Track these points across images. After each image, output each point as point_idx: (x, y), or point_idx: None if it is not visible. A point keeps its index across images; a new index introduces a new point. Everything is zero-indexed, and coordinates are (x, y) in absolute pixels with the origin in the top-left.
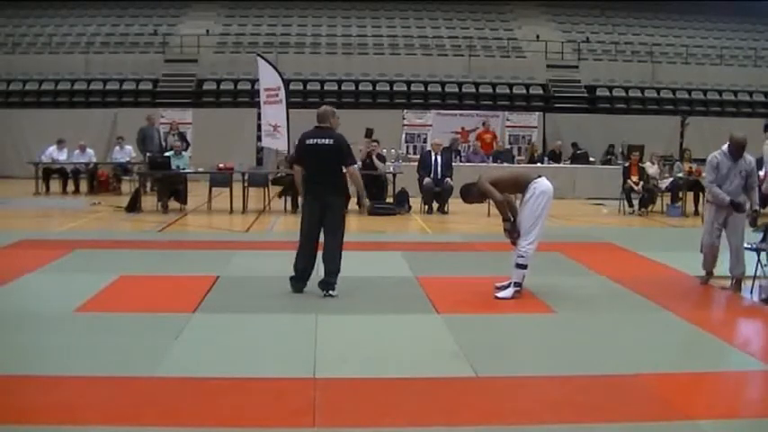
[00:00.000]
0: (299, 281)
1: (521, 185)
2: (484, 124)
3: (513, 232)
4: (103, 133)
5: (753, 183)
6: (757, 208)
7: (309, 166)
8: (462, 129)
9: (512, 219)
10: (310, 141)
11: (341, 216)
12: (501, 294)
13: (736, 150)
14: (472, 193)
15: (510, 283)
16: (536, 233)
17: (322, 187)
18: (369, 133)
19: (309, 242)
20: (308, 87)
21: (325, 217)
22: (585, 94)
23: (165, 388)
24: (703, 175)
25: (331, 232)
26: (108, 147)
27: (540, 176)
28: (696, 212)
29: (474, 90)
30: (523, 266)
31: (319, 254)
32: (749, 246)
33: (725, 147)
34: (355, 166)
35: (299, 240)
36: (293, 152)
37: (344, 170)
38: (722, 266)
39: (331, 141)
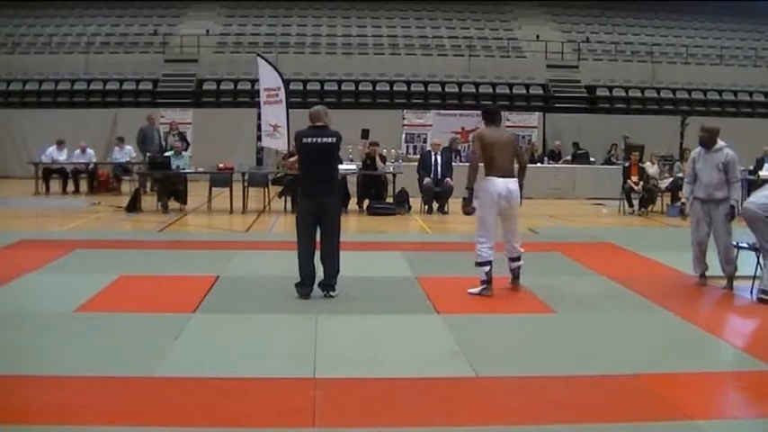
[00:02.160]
0: (306, 286)
1: (488, 166)
2: None
3: (468, 204)
4: (103, 133)
5: (732, 177)
6: (734, 204)
7: (307, 165)
8: (462, 129)
9: (471, 189)
10: (309, 140)
11: (338, 216)
12: (469, 290)
13: (703, 138)
14: (500, 111)
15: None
16: (487, 235)
17: (320, 186)
18: (365, 134)
19: (309, 245)
20: (308, 87)
21: (322, 218)
22: (585, 94)
23: (164, 388)
24: None
25: (330, 233)
26: (108, 147)
27: (499, 177)
28: None
29: (474, 90)
30: (480, 264)
31: (317, 254)
32: (746, 245)
33: None
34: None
35: (297, 244)
36: (293, 150)
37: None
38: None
39: (333, 140)
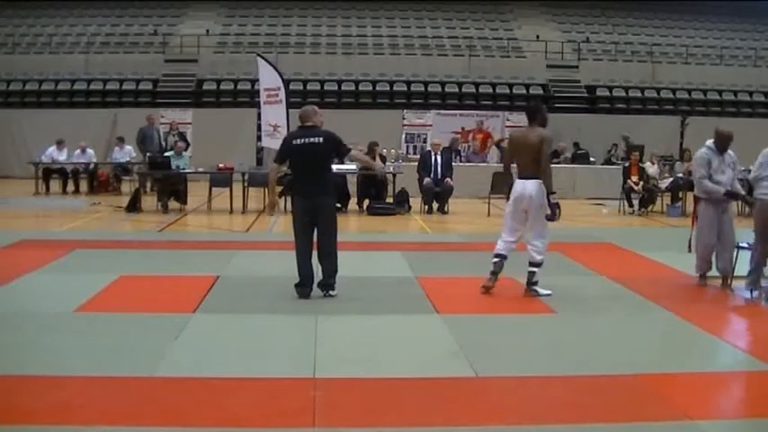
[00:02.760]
0: (305, 287)
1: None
2: (482, 123)
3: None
4: (103, 133)
5: (735, 172)
6: (744, 194)
7: (298, 166)
8: (462, 129)
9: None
10: (298, 141)
11: (333, 215)
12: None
13: (723, 144)
14: (540, 110)
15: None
16: (505, 231)
17: (312, 187)
18: (371, 147)
19: (306, 245)
20: (308, 87)
21: (317, 217)
22: (585, 94)
23: (164, 388)
24: None
25: (326, 233)
26: (108, 147)
27: (519, 178)
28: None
29: (474, 90)
30: (493, 255)
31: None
32: (747, 245)
33: (709, 142)
34: (352, 151)
35: (295, 244)
36: (277, 152)
37: (345, 160)
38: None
39: (321, 140)
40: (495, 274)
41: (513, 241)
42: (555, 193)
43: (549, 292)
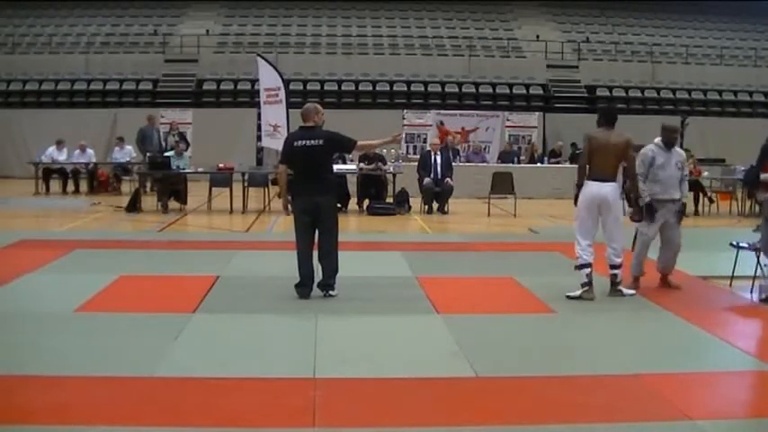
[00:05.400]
0: (305, 287)
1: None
2: (442, 123)
3: (576, 201)
4: (103, 133)
5: (685, 175)
6: (685, 201)
7: (298, 167)
8: (462, 129)
9: (579, 186)
10: (299, 143)
11: (334, 215)
12: (567, 294)
13: (669, 138)
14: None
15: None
16: (581, 236)
17: (312, 187)
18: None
19: (307, 245)
20: (308, 87)
21: (318, 217)
22: (585, 94)
23: (165, 388)
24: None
25: (326, 232)
26: (108, 147)
27: (592, 180)
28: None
29: (474, 90)
30: (578, 267)
31: (315, 254)
32: (746, 245)
33: (657, 139)
34: (358, 142)
35: (296, 244)
36: (281, 153)
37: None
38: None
39: (321, 142)
40: (590, 284)
41: (590, 244)
42: (642, 196)
43: (632, 291)
